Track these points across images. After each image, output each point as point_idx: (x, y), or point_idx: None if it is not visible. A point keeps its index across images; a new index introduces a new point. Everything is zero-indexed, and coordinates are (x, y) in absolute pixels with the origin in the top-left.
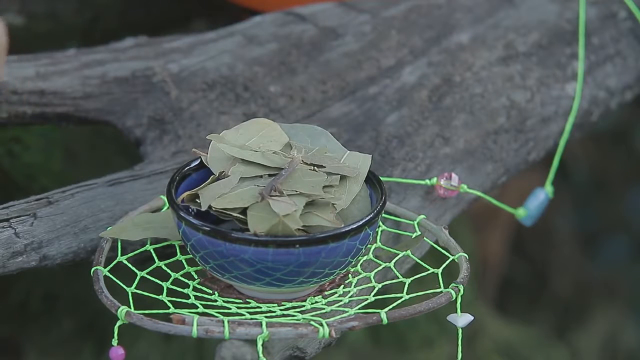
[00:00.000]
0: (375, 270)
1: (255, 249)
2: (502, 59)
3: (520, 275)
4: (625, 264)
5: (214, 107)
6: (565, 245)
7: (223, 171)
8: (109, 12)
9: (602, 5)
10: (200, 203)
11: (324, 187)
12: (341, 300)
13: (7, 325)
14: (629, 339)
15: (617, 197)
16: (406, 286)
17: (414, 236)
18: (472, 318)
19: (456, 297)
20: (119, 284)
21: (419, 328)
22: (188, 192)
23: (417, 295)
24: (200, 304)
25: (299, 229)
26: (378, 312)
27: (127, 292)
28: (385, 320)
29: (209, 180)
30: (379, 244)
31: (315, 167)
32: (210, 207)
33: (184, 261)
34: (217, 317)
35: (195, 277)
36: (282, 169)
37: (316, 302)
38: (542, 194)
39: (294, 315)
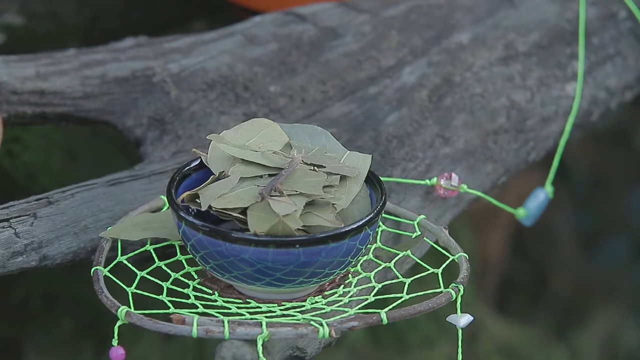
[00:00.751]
0: (375, 270)
1: (255, 249)
2: (502, 59)
3: (520, 275)
4: (625, 264)
5: (214, 107)
6: (565, 245)
7: (223, 171)
8: (109, 12)
9: (602, 5)
10: (200, 203)
11: (324, 187)
12: (341, 300)
13: (7, 325)
14: (629, 339)
15: (617, 197)
16: (406, 286)
17: (414, 236)
18: (472, 318)
19: (456, 297)
20: (119, 284)
21: (419, 328)
22: (188, 192)
23: (417, 295)
24: (200, 304)
25: (299, 229)
26: (378, 312)
27: (127, 292)
28: (385, 320)
29: (209, 180)
30: (379, 244)
31: (315, 167)
32: (210, 207)
33: (184, 261)
34: (217, 317)
35: (195, 277)
36: (282, 169)
37: (316, 302)
38: (542, 194)
39: (294, 315)
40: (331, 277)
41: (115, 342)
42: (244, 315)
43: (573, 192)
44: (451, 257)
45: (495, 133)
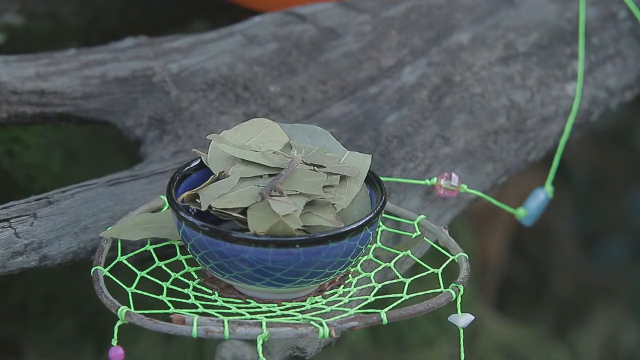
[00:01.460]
0: (375, 270)
1: (255, 249)
2: (502, 59)
3: (520, 275)
4: (625, 264)
5: (214, 107)
6: (565, 245)
7: (223, 171)
8: (109, 12)
9: (602, 5)
10: (200, 203)
11: (324, 187)
12: (341, 300)
13: (7, 325)
14: (629, 339)
15: (617, 197)
16: (406, 286)
17: (414, 236)
18: (473, 318)
19: (456, 297)
20: (119, 284)
21: (419, 328)
22: (188, 192)
23: (417, 295)
24: (200, 304)
25: (299, 229)
26: (378, 312)
27: (127, 292)
28: (385, 320)
29: (209, 180)
30: (379, 244)
31: (315, 167)
32: (210, 207)
33: (184, 261)
34: (217, 317)
35: (195, 277)
36: (282, 169)
37: (316, 302)
38: (542, 194)
39: (294, 315)
40: (331, 277)
41: (115, 342)
42: (244, 315)
43: (573, 192)
44: (451, 257)
45: (495, 133)
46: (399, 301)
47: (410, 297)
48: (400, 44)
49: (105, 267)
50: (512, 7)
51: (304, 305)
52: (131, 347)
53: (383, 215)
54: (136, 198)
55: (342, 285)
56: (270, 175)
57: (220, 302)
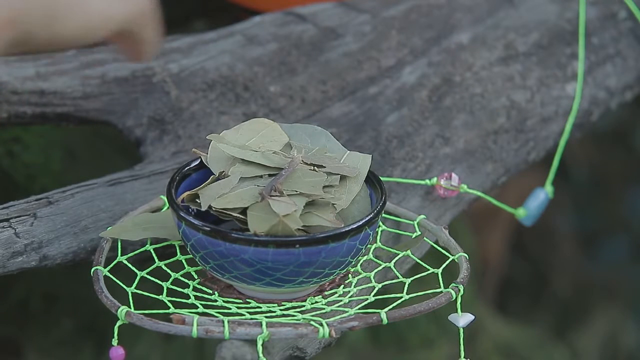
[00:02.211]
0: (375, 270)
1: (255, 249)
2: (502, 59)
3: (520, 275)
4: (625, 264)
5: (214, 107)
6: (565, 245)
7: (223, 171)
8: None
9: (602, 5)
10: (200, 203)
11: (324, 187)
12: (341, 300)
13: (7, 325)
14: (629, 339)
15: (617, 197)
16: (406, 286)
17: (414, 236)
18: (472, 318)
19: (456, 297)
20: (119, 284)
21: (419, 328)
22: (188, 192)
23: (417, 295)
24: (200, 304)
25: (299, 229)
26: (378, 312)
27: (127, 292)
28: (385, 320)
29: (209, 180)
30: (379, 244)
31: (315, 167)
32: (210, 207)
33: (184, 261)
34: (217, 317)
35: (195, 277)
36: (282, 169)
37: (316, 302)
38: (542, 194)
39: (294, 315)
40: (331, 277)
41: (115, 342)
42: (244, 315)
43: (573, 192)
44: (451, 257)
45: (495, 133)
46: (399, 301)
47: (410, 297)
48: (400, 44)
49: (105, 267)
50: (512, 7)
51: (304, 305)
52: (131, 347)
53: (383, 215)
54: (136, 198)
55: (342, 285)
56: (270, 175)
57: (220, 302)
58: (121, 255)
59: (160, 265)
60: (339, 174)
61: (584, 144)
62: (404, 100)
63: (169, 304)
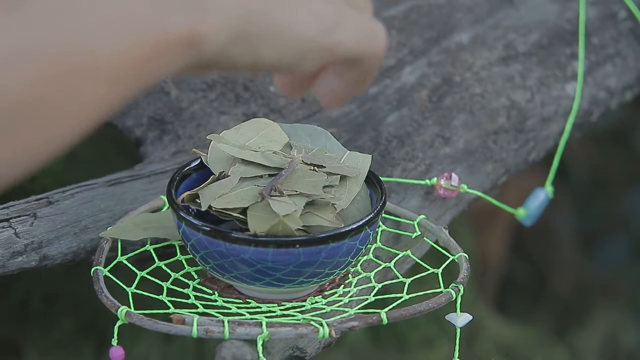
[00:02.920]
0: (375, 270)
1: (255, 249)
2: (502, 59)
3: (520, 275)
4: (625, 264)
5: (214, 107)
6: (565, 245)
7: (223, 171)
8: None
9: (602, 5)
10: (200, 203)
11: (324, 187)
12: (341, 300)
13: (7, 325)
14: (629, 339)
15: (617, 197)
16: (406, 286)
17: (414, 236)
18: (471, 317)
19: (456, 297)
20: (119, 284)
21: (419, 328)
22: (188, 192)
23: (417, 295)
24: (200, 304)
25: (299, 229)
26: (378, 312)
27: (127, 292)
28: (385, 320)
29: (209, 180)
30: (379, 244)
31: (315, 167)
32: (210, 207)
33: (184, 261)
34: (217, 317)
35: (195, 277)
36: (282, 169)
37: (316, 302)
38: (542, 194)
39: (294, 315)
40: (331, 277)
41: (115, 342)
42: (244, 315)
43: (573, 192)
44: (451, 257)
45: (495, 133)
46: (399, 301)
47: (410, 297)
48: (400, 44)
49: (105, 267)
50: (512, 7)
51: (304, 305)
52: (131, 347)
53: (383, 215)
54: (136, 198)
55: (342, 285)
56: (270, 175)
57: (220, 302)
58: (121, 255)
59: (160, 265)
60: (339, 174)
61: (584, 144)
62: (404, 100)
63: (169, 304)
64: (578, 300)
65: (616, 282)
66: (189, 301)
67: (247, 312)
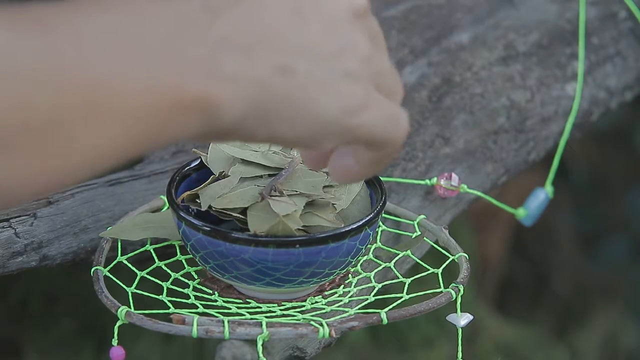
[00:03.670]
0: (375, 270)
1: (255, 249)
2: (502, 59)
3: (520, 275)
4: (625, 264)
5: None
6: (565, 245)
7: (223, 171)
8: None
9: (602, 5)
10: (200, 203)
11: (324, 187)
12: (341, 300)
13: (7, 325)
14: (629, 339)
15: (617, 197)
16: (406, 286)
17: (414, 236)
18: (472, 318)
19: (456, 297)
20: (119, 284)
21: (419, 328)
22: (188, 192)
23: (417, 295)
24: (200, 304)
25: (299, 229)
26: (378, 312)
27: (127, 292)
28: (385, 320)
29: (209, 180)
30: (379, 244)
31: None
32: (210, 207)
33: (184, 261)
34: (217, 317)
35: (195, 277)
36: (282, 169)
37: (316, 302)
38: (542, 194)
39: (294, 315)
40: (331, 277)
41: (115, 342)
42: (244, 315)
43: (573, 192)
44: (451, 257)
45: (495, 133)
46: (399, 301)
47: (410, 297)
48: (400, 44)
49: (105, 267)
50: (512, 7)
51: (304, 305)
52: (131, 347)
53: (383, 215)
54: (136, 198)
55: (342, 285)
56: (270, 175)
57: (220, 302)
58: (121, 255)
59: (160, 265)
60: None
61: (584, 144)
62: (404, 100)
63: (169, 304)
64: (578, 300)
65: (616, 282)
66: (189, 301)
67: (247, 312)
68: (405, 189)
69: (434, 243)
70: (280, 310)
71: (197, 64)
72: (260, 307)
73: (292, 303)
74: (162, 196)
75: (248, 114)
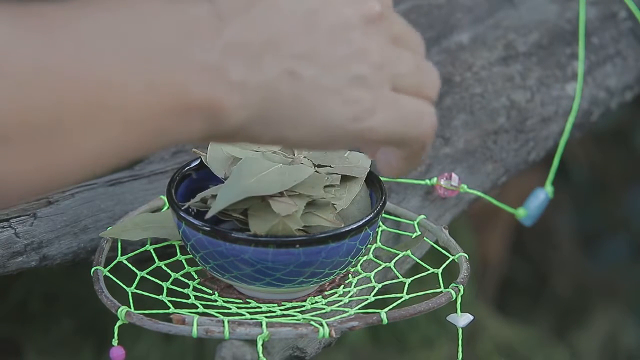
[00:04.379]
0: (375, 270)
1: (255, 249)
2: (502, 59)
3: (520, 275)
4: (625, 264)
5: None
6: (565, 245)
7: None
8: None
9: (602, 5)
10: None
11: (325, 187)
12: (341, 300)
13: (7, 325)
14: (629, 339)
15: (617, 197)
16: (406, 286)
17: (414, 236)
18: (472, 318)
19: (456, 297)
20: (119, 284)
21: (419, 328)
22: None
23: (417, 295)
24: (200, 304)
25: (299, 229)
26: (378, 312)
27: (127, 292)
28: (385, 320)
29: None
30: (379, 244)
31: (321, 167)
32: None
33: (184, 261)
34: (217, 317)
35: (195, 277)
36: None
37: (316, 302)
38: (542, 194)
39: (294, 315)
40: (331, 277)
41: (115, 342)
42: (244, 315)
43: (573, 192)
44: (451, 257)
45: (495, 133)
46: (399, 301)
47: (410, 297)
48: None
49: (105, 267)
50: (512, 7)
51: (304, 305)
52: (131, 347)
53: (383, 215)
54: (136, 198)
55: (342, 285)
56: None
57: (220, 302)
58: (121, 255)
59: (160, 265)
60: (339, 174)
61: (584, 144)
62: None
63: (169, 304)
64: (578, 300)
65: (616, 282)
66: (189, 301)
67: (247, 312)
68: (405, 189)
69: (434, 243)
70: (280, 310)
71: (203, 69)
72: (260, 307)
73: (292, 303)
74: (162, 196)
75: (253, 118)
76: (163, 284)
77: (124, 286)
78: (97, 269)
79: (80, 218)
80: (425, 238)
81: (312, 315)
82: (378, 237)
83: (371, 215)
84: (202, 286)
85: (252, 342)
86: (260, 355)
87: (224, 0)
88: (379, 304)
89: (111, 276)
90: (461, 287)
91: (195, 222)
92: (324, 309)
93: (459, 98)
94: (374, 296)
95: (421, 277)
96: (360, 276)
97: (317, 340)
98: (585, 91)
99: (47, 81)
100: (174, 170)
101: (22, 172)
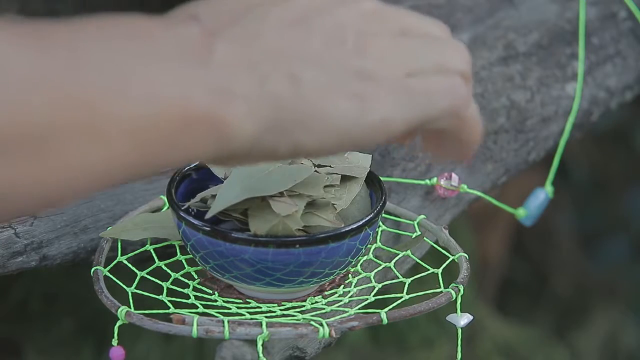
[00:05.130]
0: (375, 270)
1: (255, 249)
2: (502, 59)
3: (520, 275)
4: (625, 264)
5: None
6: (565, 245)
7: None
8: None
9: (602, 5)
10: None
11: (325, 187)
12: (341, 300)
13: (7, 325)
14: (629, 339)
15: (617, 197)
16: (406, 286)
17: (414, 236)
18: (472, 318)
19: (456, 297)
20: (119, 284)
21: (419, 328)
22: (200, 196)
23: (417, 295)
24: (200, 304)
25: (299, 229)
26: (378, 312)
27: (127, 292)
28: (385, 320)
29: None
30: (379, 244)
31: (321, 167)
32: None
33: (184, 261)
34: (217, 317)
35: (195, 277)
36: None
37: (316, 302)
38: (542, 194)
39: (294, 315)
40: (331, 277)
41: (115, 342)
42: (244, 315)
43: (573, 192)
44: (451, 257)
45: (495, 133)
46: (399, 301)
47: (410, 297)
48: None
49: (105, 267)
50: (512, 7)
51: (304, 305)
52: (131, 347)
53: (383, 215)
54: (136, 198)
55: (342, 285)
56: None
57: (220, 302)
58: (121, 255)
59: (160, 265)
60: (339, 174)
61: (584, 144)
62: None
63: (169, 304)
64: (578, 300)
65: (616, 282)
66: (189, 301)
67: (247, 312)
68: (405, 189)
69: (434, 243)
70: (280, 310)
71: (202, 83)
72: (260, 307)
73: (292, 303)
74: (162, 196)
75: (262, 128)
76: (163, 284)
77: (124, 286)
78: (97, 269)
79: (80, 218)
80: (425, 238)
81: (312, 315)
82: (378, 237)
83: (371, 215)
84: (202, 286)
85: (252, 342)
86: (260, 355)
87: (210, 18)
88: (379, 304)
89: (111, 276)
90: (461, 287)
91: (195, 222)
92: (324, 309)
93: None
94: (374, 296)
95: (421, 277)
96: (360, 276)
97: (317, 340)
98: (585, 91)
99: (44, 96)
100: (174, 170)
101: (20, 183)
